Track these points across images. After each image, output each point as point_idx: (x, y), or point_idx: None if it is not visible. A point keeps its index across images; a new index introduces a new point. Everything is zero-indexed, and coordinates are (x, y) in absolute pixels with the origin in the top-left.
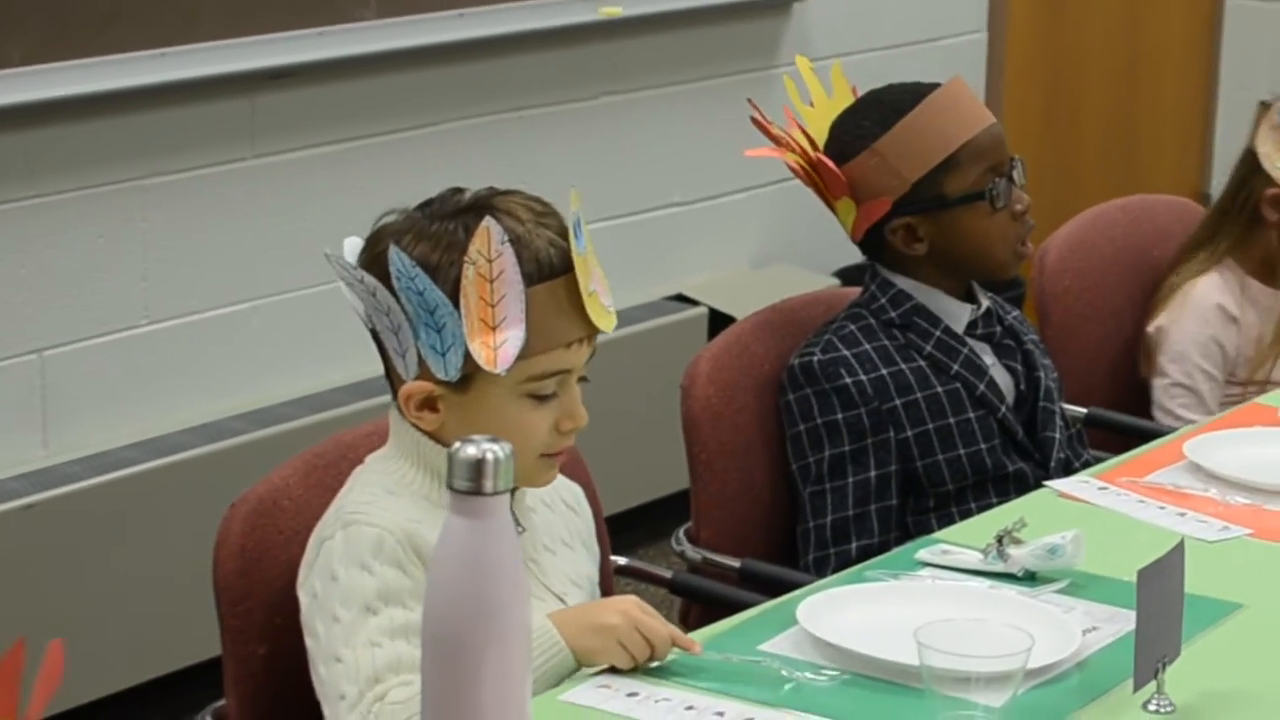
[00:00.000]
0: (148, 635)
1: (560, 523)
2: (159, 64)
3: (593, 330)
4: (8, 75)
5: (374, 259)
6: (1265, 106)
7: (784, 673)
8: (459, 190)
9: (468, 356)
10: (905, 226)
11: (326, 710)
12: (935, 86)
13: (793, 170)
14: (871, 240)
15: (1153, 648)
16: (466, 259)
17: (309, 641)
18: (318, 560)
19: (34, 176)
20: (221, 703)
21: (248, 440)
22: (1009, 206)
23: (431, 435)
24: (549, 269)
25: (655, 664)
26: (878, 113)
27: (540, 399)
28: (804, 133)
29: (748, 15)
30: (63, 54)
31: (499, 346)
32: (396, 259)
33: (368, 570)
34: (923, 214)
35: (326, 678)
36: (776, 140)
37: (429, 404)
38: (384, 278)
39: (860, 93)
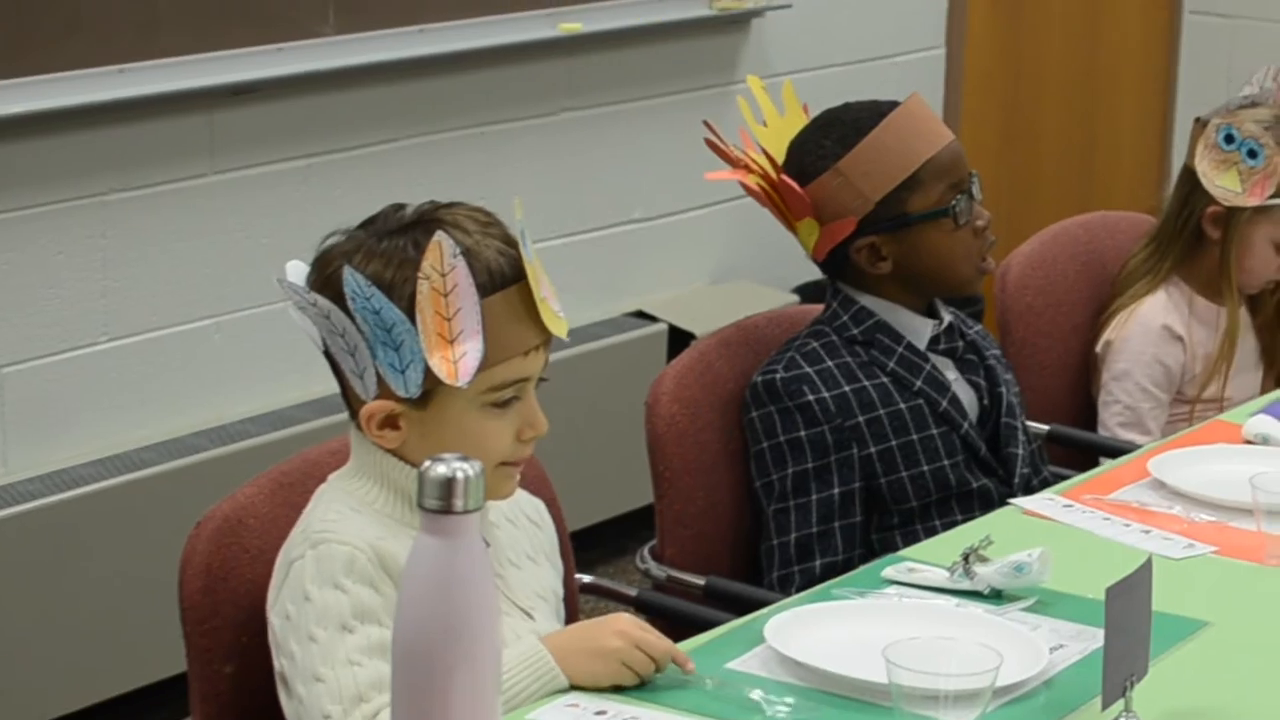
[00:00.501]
0: (110, 652)
1: (524, 538)
2: (118, 80)
3: (547, 336)
4: None
5: (325, 281)
6: (1201, 124)
7: (756, 698)
8: (400, 206)
9: (427, 372)
10: (869, 246)
11: None
12: (894, 105)
13: (750, 192)
14: (834, 259)
15: (1121, 666)
16: (420, 274)
17: (282, 663)
18: (287, 581)
19: None
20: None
21: (209, 457)
22: (970, 223)
23: (394, 453)
24: (501, 278)
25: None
26: (838, 132)
27: (500, 407)
28: (764, 154)
29: (707, 32)
30: (21, 69)
31: (459, 360)
32: (351, 279)
33: (341, 589)
34: (886, 233)
35: (307, 697)
36: (734, 162)
37: (390, 422)
38: (337, 299)
39: (811, 111)
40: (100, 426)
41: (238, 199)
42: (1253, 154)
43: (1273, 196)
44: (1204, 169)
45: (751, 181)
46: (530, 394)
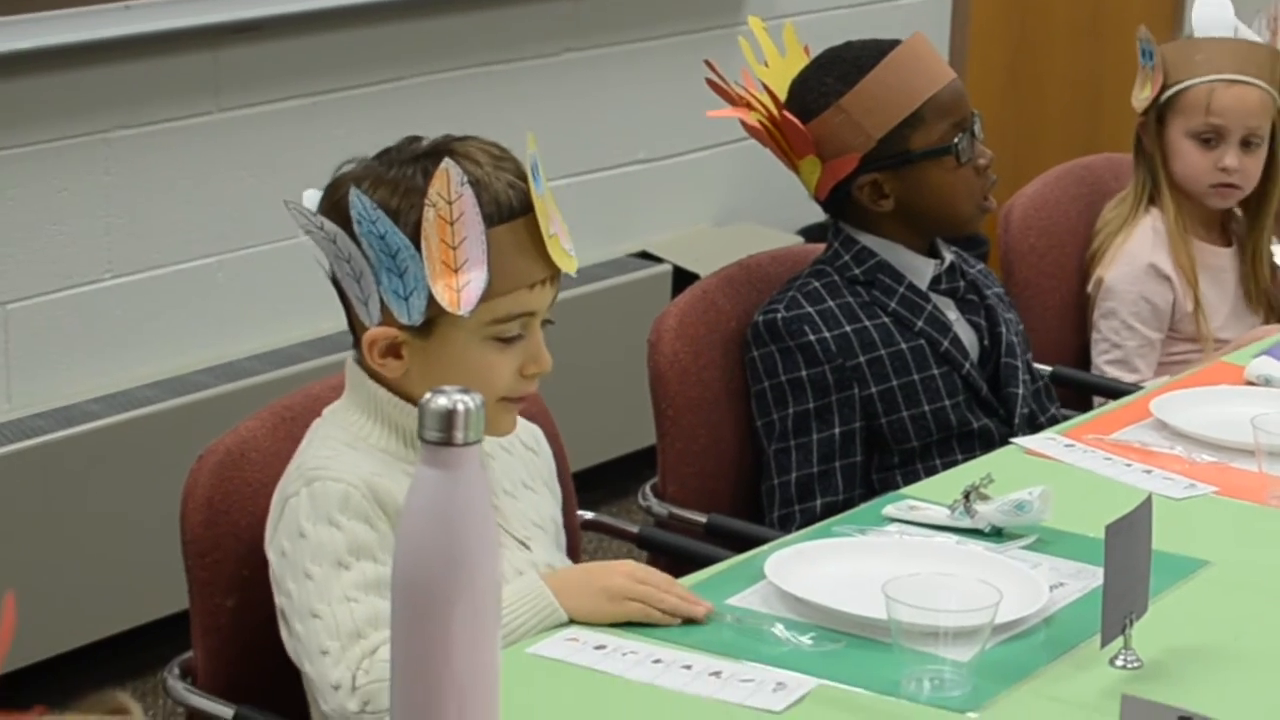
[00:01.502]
0: (114, 589)
1: (519, 465)
2: (122, 17)
3: (555, 271)
4: None
5: (333, 206)
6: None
7: (779, 634)
8: (416, 139)
9: (431, 300)
10: (871, 183)
11: (307, 666)
12: (896, 43)
13: (751, 131)
14: (836, 198)
15: (1120, 603)
16: (427, 201)
17: (280, 600)
18: (282, 519)
19: None
20: (189, 654)
21: (213, 394)
22: (972, 161)
23: (394, 384)
24: (509, 210)
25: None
26: (840, 70)
27: (504, 342)
28: (767, 92)
29: None
30: (25, 6)
31: (462, 288)
32: (357, 202)
33: (335, 525)
34: (888, 170)
35: (304, 634)
36: (735, 101)
37: (392, 350)
38: (344, 224)
39: (813, 52)
40: (104, 363)
41: (242, 137)
42: (1148, 55)
43: (1166, 88)
44: (1134, 93)
45: (753, 119)
46: (536, 330)
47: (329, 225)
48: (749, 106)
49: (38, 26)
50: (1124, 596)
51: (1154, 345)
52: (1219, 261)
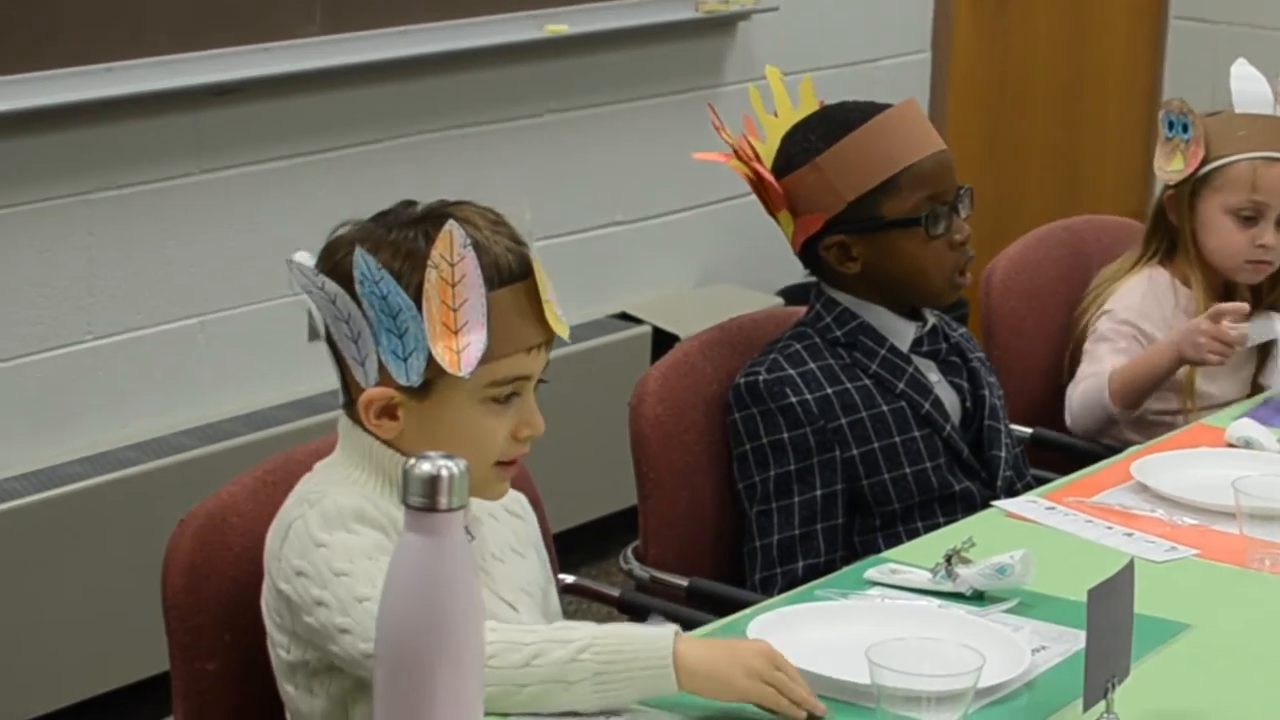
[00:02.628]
0: (94, 650)
1: (507, 531)
2: (104, 79)
3: (550, 335)
4: None
5: (334, 267)
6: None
7: None
8: (411, 203)
9: (430, 362)
10: (839, 244)
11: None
12: (883, 106)
13: (744, 179)
14: (807, 255)
15: (1102, 667)
16: (429, 263)
17: (316, 616)
18: (287, 542)
19: None
20: (169, 719)
21: (193, 456)
22: (948, 235)
23: (388, 444)
24: (509, 274)
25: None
26: (826, 128)
27: (499, 404)
28: (749, 144)
29: (692, 34)
30: (6, 68)
31: (462, 350)
32: (362, 262)
33: (353, 532)
34: (856, 233)
35: (356, 625)
36: (733, 148)
37: (388, 411)
38: (344, 284)
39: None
40: (85, 425)
41: (223, 198)
42: (1185, 128)
43: (1206, 163)
44: (1158, 163)
45: (736, 167)
46: (529, 393)
47: (330, 285)
48: (737, 155)
49: (19, 88)
50: (1106, 660)
51: (1126, 355)
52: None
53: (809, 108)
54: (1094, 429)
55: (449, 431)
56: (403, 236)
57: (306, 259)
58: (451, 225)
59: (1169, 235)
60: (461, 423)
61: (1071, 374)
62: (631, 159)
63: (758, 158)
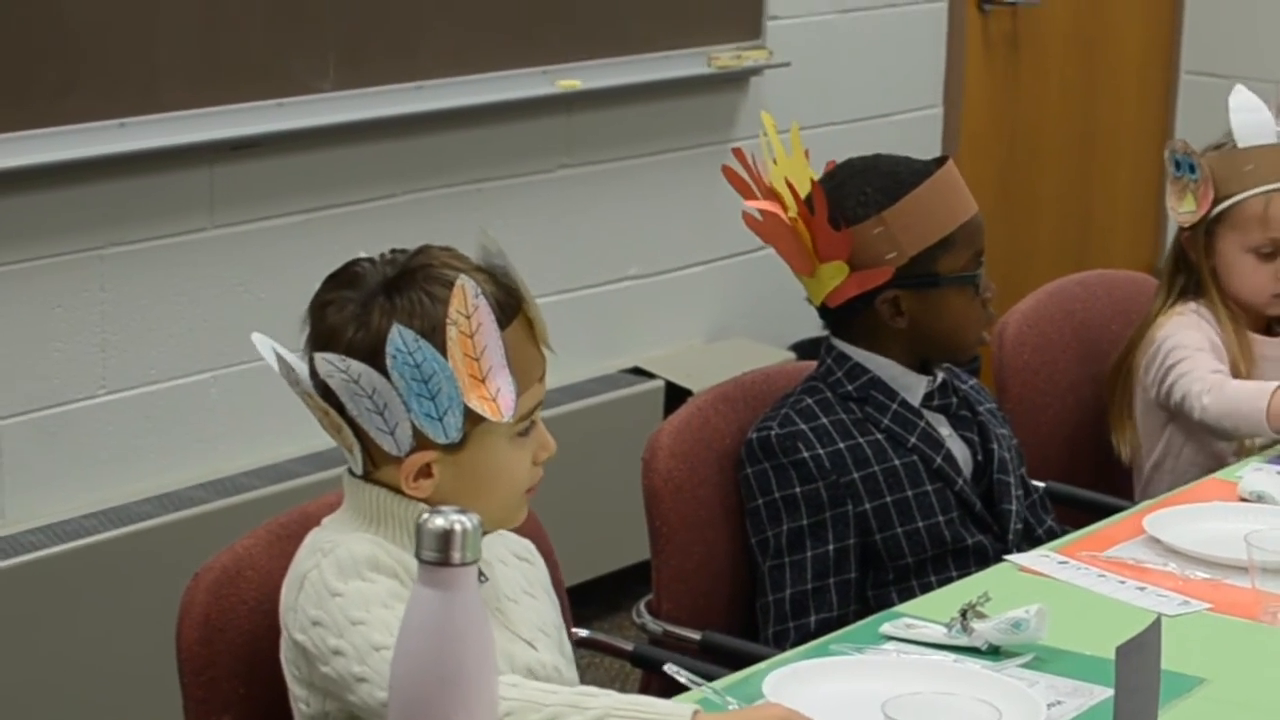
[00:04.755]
0: (108, 705)
1: (517, 575)
2: (118, 134)
3: (545, 360)
4: None
5: (349, 348)
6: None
7: None
8: (359, 261)
9: (466, 415)
10: (893, 298)
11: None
12: (926, 163)
13: (761, 228)
14: (848, 308)
15: None
16: (449, 320)
17: (334, 665)
18: (303, 592)
19: None
20: None
21: (207, 510)
22: (982, 293)
23: (424, 501)
24: (509, 310)
25: None
26: (880, 181)
27: (524, 437)
28: (791, 190)
29: (705, 89)
30: (21, 123)
31: (496, 396)
32: (399, 337)
33: (368, 580)
34: (912, 289)
35: (374, 673)
36: (765, 195)
37: (423, 471)
38: (366, 360)
39: (812, 158)
40: (98, 479)
41: (237, 254)
42: (1192, 168)
43: (1218, 202)
44: (1170, 203)
45: (788, 216)
46: (539, 417)
47: (354, 366)
48: (780, 201)
49: (33, 143)
50: (1135, 717)
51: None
52: (1275, 352)
53: (798, 155)
54: (1225, 430)
55: (487, 476)
56: (407, 301)
57: (263, 339)
58: (463, 280)
59: (1191, 275)
60: (498, 464)
61: (1121, 409)
62: (644, 214)
63: (809, 206)
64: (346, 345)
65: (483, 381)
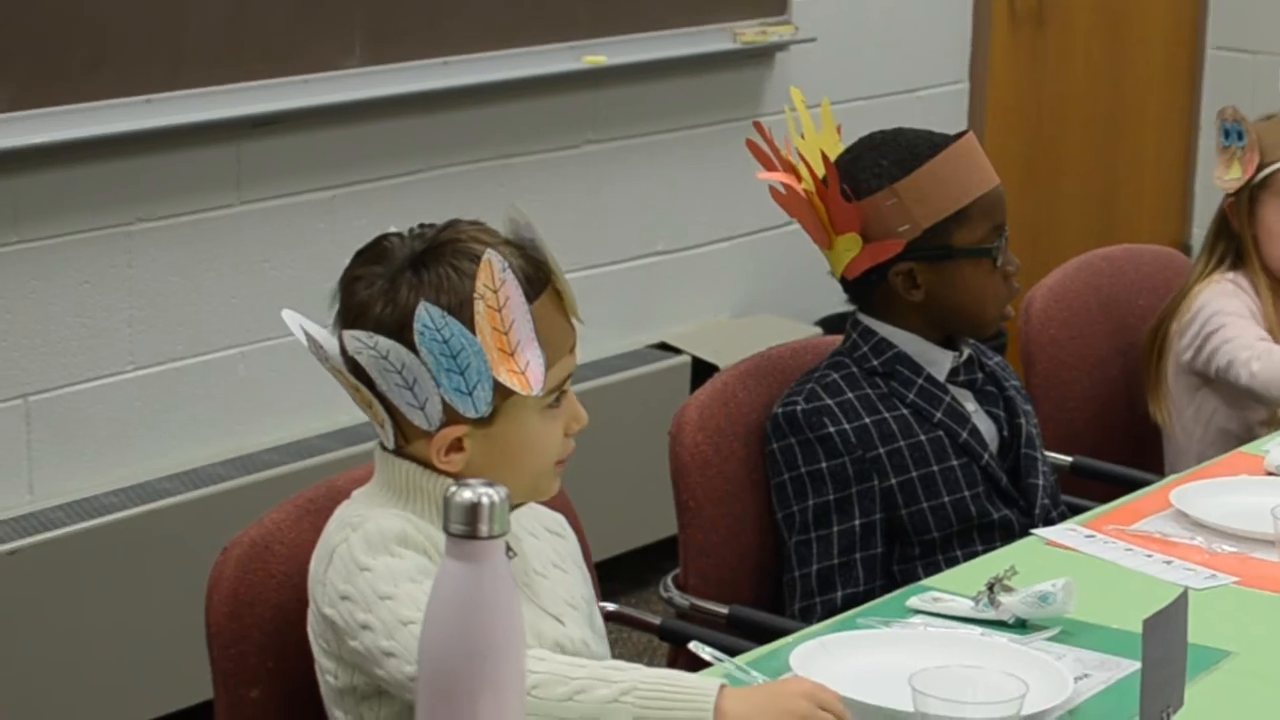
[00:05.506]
0: (135, 680)
1: (548, 548)
2: (145, 110)
3: (575, 331)
4: None
5: (377, 324)
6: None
7: None
8: (388, 236)
9: (495, 388)
10: (907, 271)
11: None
12: (946, 136)
13: (784, 200)
14: (864, 281)
15: (1158, 697)
16: (476, 295)
17: (362, 640)
18: (331, 567)
19: (19, 222)
20: None
21: (233, 486)
22: (1003, 268)
23: (454, 475)
24: (537, 283)
25: None
26: (896, 154)
27: (554, 408)
28: (806, 164)
29: (731, 65)
30: (49, 100)
31: (525, 369)
32: (425, 313)
33: (397, 556)
34: (926, 261)
35: (401, 648)
36: (784, 167)
37: (455, 446)
38: (393, 336)
39: (845, 133)
40: (125, 455)
41: (263, 230)
42: (1240, 135)
43: (1262, 168)
44: (1217, 172)
45: (801, 188)
46: (570, 389)
47: (382, 342)
48: (796, 174)
49: (60, 120)
50: (1161, 690)
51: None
52: None
53: (829, 130)
54: (1276, 395)
55: (518, 448)
56: (434, 276)
57: (294, 317)
58: (490, 254)
59: (1231, 243)
60: (529, 437)
61: (1157, 376)
62: (670, 189)
63: (825, 177)
64: (375, 321)
65: (511, 355)
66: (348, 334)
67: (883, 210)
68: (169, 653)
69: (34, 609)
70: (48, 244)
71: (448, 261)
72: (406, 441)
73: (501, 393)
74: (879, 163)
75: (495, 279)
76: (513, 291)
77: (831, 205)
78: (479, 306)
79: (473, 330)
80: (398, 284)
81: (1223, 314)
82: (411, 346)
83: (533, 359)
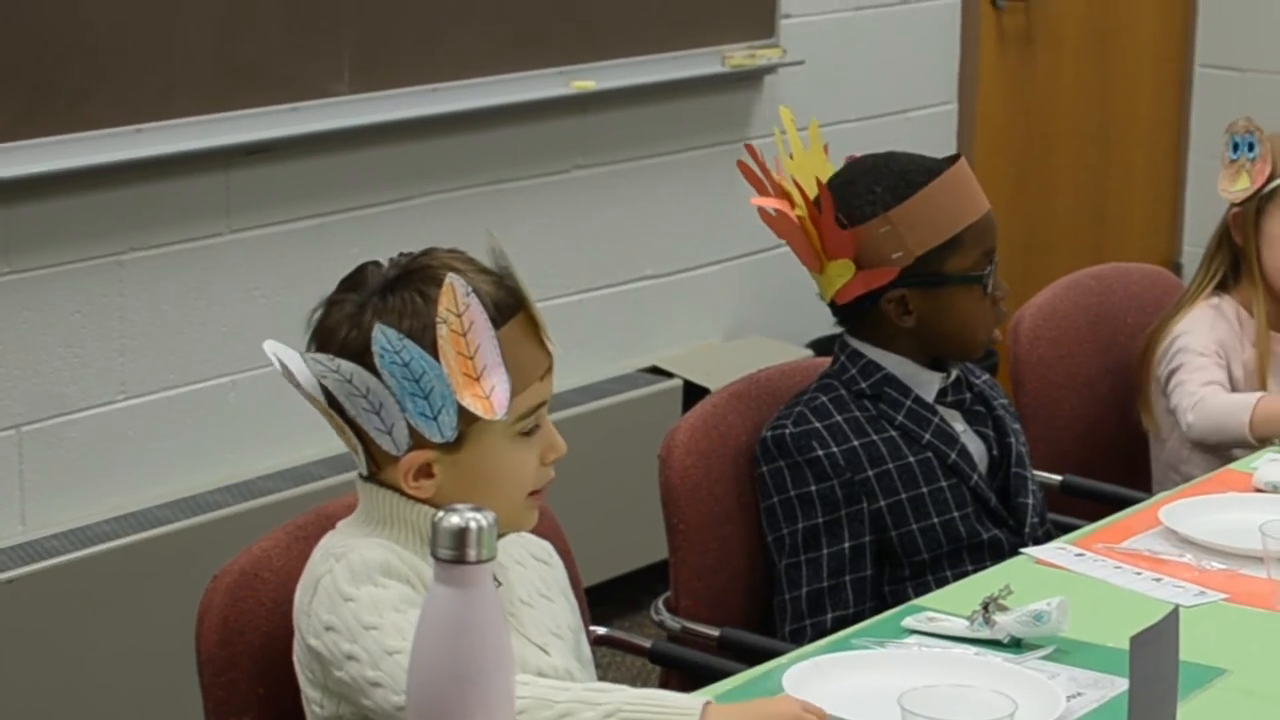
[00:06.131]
0: (128, 709)
1: (534, 577)
2: (135, 140)
3: (551, 359)
4: None
5: (340, 347)
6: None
7: None
8: (369, 265)
9: (460, 414)
10: (899, 298)
11: (401, 715)
12: (938, 161)
13: (774, 223)
14: (856, 306)
15: (1147, 714)
16: (438, 319)
17: (347, 670)
18: (316, 598)
19: (10, 252)
20: None
21: (227, 514)
22: (993, 292)
23: (428, 501)
24: (507, 309)
25: None
26: (889, 180)
27: (527, 436)
28: (799, 186)
29: (719, 88)
30: (39, 130)
31: (490, 394)
32: (381, 336)
33: (380, 586)
34: (918, 288)
35: (388, 678)
36: (776, 192)
37: (424, 472)
38: (355, 360)
39: (832, 152)
40: (118, 484)
41: (254, 258)
42: (1251, 146)
43: (1273, 179)
44: (1223, 185)
45: (795, 213)
46: (546, 418)
47: (345, 365)
48: (789, 199)
49: (51, 150)
50: (1151, 708)
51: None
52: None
53: (816, 150)
54: (1214, 444)
55: (487, 475)
56: (399, 300)
57: (276, 346)
58: (452, 279)
59: (1232, 257)
60: (498, 464)
61: (1144, 403)
62: (660, 213)
63: (810, 202)
64: (340, 345)
65: (477, 380)
66: (309, 356)
67: (876, 237)
68: (165, 681)
69: (29, 638)
70: (39, 274)
71: (415, 287)
72: (379, 468)
73: (467, 418)
74: (873, 189)
75: (459, 303)
76: (477, 316)
77: (825, 231)
78: (442, 331)
79: (436, 355)
80: (364, 309)
81: (1186, 351)
82: (375, 371)
83: (498, 384)
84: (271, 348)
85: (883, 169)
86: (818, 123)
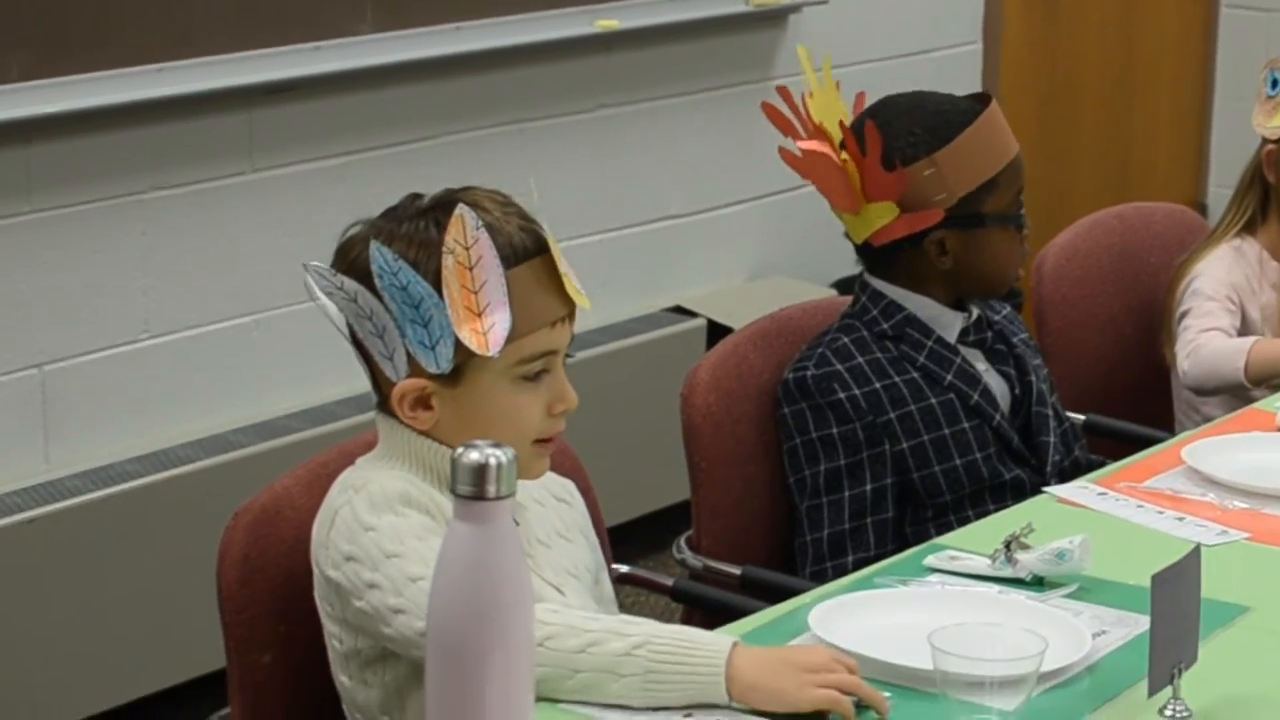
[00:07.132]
0: (151, 648)
1: (554, 516)
2: (157, 79)
3: (571, 307)
4: (6, 90)
5: (350, 265)
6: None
7: None
8: (418, 196)
9: (458, 346)
10: (939, 240)
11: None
12: (969, 100)
13: (802, 166)
14: (892, 248)
15: (1168, 653)
16: (445, 249)
17: (368, 599)
18: (334, 529)
19: (33, 191)
20: (226, 711)
21: (249, 453)
22: (1023, 231)
23: (426, 434)
24: (524, 251)
25: None
26: (929, 122)
27: (530, 381)
28: (842, 128)
29: (744, 28)
30: (61, 69)
31: (488, 330)
32: (378, 255)
33: (400, 515)
34: (958, 229)
35: (410, 604)
36: (811, 135)
37: (422, 402)
38: (363, 281)
39: (844, 90)
40: (141, 423)
41: (276, 197)
42: None
43: None
44: (1258, 120)
45: (837, 156)
46: (559, 368)
47: (349, 283)
48: (830, 141)
49: (72, 90)
50: (1172, 646)
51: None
52: None
53: (830, 86)
54: (1210, 389)
55: (484, 414)
56: (414, 227)
57: (322, 268)
58: (462, 210)
59: (1262, 195)
60: (496, 404)
61: (1168, 337)
62: (684, 153)
63: (859, 146)
64: (349, 264)
65: (479, 315)
66: (312, 266)
67: (921, 180)
68: (187, 619)
69: (51, 576)
70: (61, 213)
71: (433, 216)
72: (385, 397)
73: (465, 352)
74: (913, 130)
75: (467, 236)
76: (486, 251)
77: (868, 173)
78: (448, 261)
79: (439, 284)
80: (381, 232)
81: (1198, 295)
82: (379, 295)
83: (498, 321)
84: (315, 268)
85: (918, 109)
86: (830, 60)
